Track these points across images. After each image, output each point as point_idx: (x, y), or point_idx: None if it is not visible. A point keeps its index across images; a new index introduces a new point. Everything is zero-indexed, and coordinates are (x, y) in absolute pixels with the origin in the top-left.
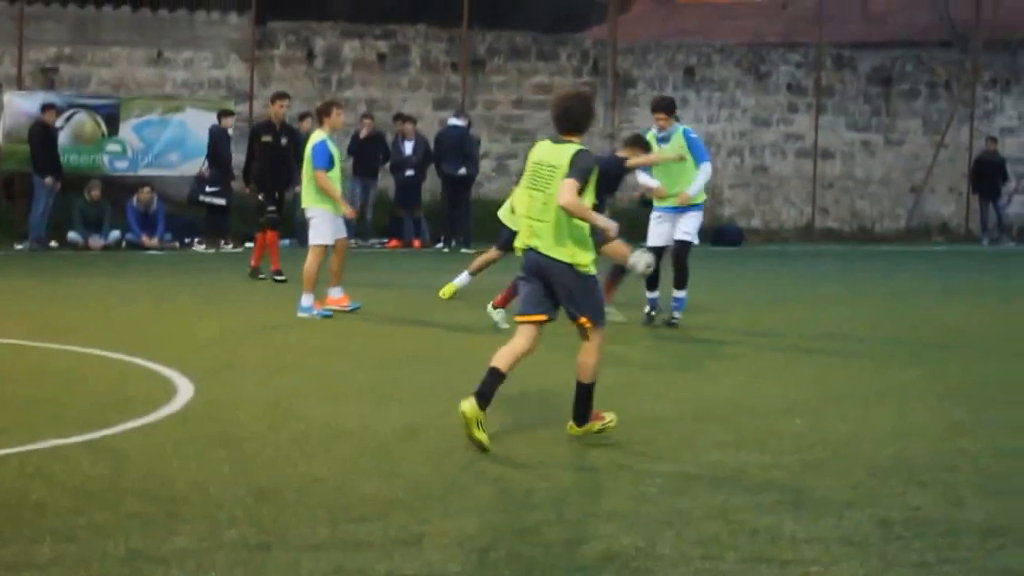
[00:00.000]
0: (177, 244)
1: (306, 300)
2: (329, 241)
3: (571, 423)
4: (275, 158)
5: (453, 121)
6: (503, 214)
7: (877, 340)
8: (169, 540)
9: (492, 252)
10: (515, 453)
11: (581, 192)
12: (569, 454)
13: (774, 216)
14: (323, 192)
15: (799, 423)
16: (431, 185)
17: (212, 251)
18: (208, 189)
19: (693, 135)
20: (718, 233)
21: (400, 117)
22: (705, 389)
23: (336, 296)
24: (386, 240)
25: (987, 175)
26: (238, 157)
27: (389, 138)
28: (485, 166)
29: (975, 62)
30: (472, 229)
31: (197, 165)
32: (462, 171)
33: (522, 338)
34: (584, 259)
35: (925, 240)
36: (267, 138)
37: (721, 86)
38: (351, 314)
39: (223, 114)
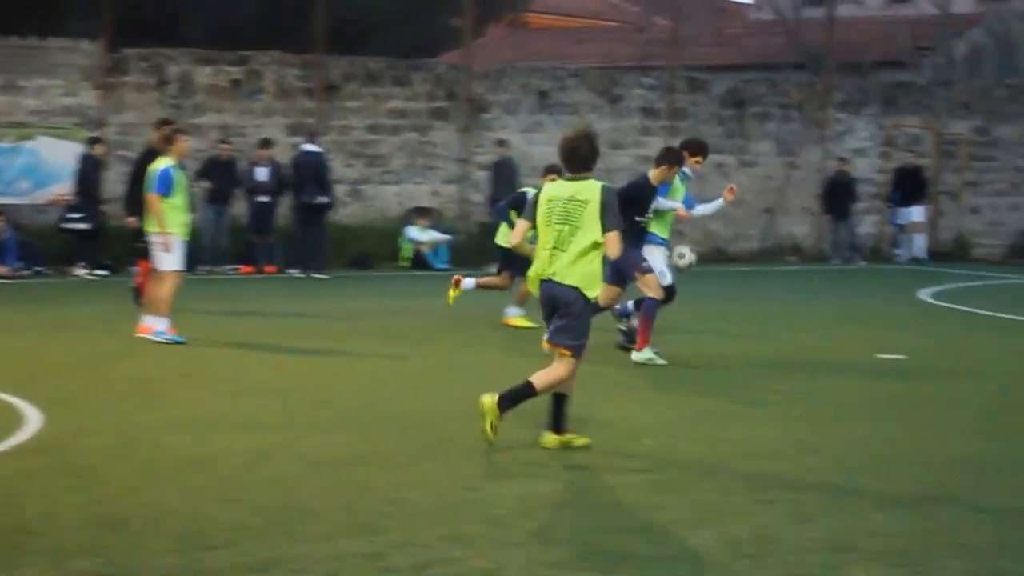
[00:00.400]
0: (28, 272)
1: (160, 325)
2: (181, 267)
3: (546, 433)
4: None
5: (308, 147)
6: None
7: (730, 359)
8: (16, 571)
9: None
10: (365, 478)
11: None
12: (420, 477)
13: None
14: (162, 216)
15: (649, 443)
16: (285, 210)
17: (94, 277)
18: (72, 215)
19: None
20: None
21: (266, 142)
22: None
23: (151, 324)
24: (239, 266)
25: (838, 195)
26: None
27: (242, 164)
28: (339, 191)
29: (827, 84)
30: (326, 255)
31: (50, 193)
32: (322, 199)
33: (559, 365)
34: (592, 290)
35: (779, 260)
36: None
37: (575, 110)
38: (184, 344)
39: (93, 141)
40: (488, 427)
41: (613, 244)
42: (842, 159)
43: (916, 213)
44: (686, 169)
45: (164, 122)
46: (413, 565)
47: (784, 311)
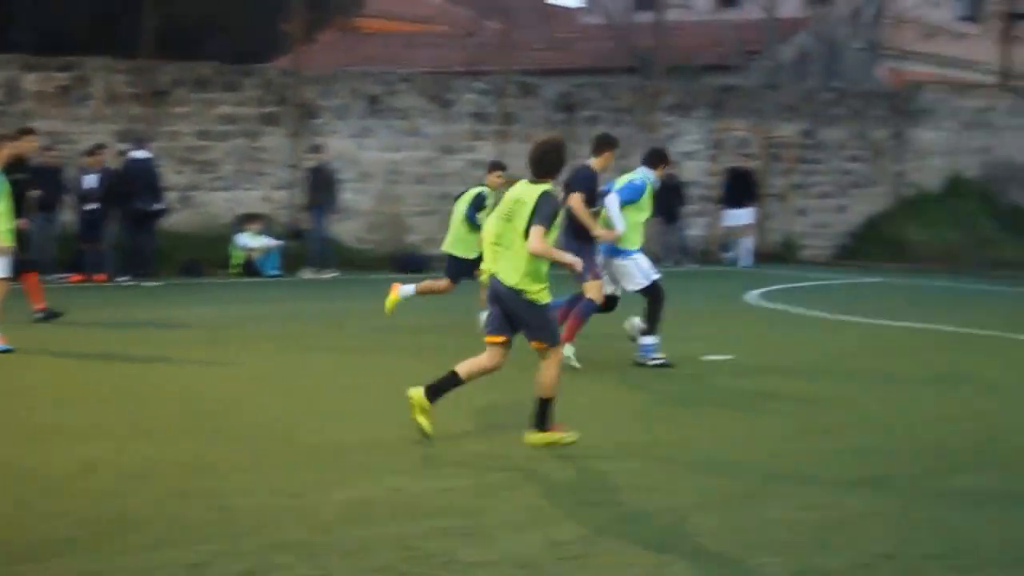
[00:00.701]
0: None
1: None
2: (7, 274)
3: (529, 431)
4: (20, 196)
5: (136, 153)
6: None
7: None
8: None
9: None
10: (190, 486)
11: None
12: (246, 485)
13: None
14: None
15: (477, 448)
16: (115, 216)
17: None
18: None
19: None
20: (402, 260)
21: (95, 149)
22: (384, 415)
23: None
24: (68, 275)
25: (667, 199)
26: None
27: (72, 171)
28: (169, 198)
29: (656, 88)
30: (156, 261)
31: None
32: (157, 206)
33: (486, 355)
34: (532, 288)
35: None
36: (20, 175)
37: (406, 115)
38: (12, 352)
39: None
40: (420, 419)
41: (533, 238)
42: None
43: (745, 216)
44: (652, 177)
45: (28, 131)
46: (237, 573)
47: (614, 314)
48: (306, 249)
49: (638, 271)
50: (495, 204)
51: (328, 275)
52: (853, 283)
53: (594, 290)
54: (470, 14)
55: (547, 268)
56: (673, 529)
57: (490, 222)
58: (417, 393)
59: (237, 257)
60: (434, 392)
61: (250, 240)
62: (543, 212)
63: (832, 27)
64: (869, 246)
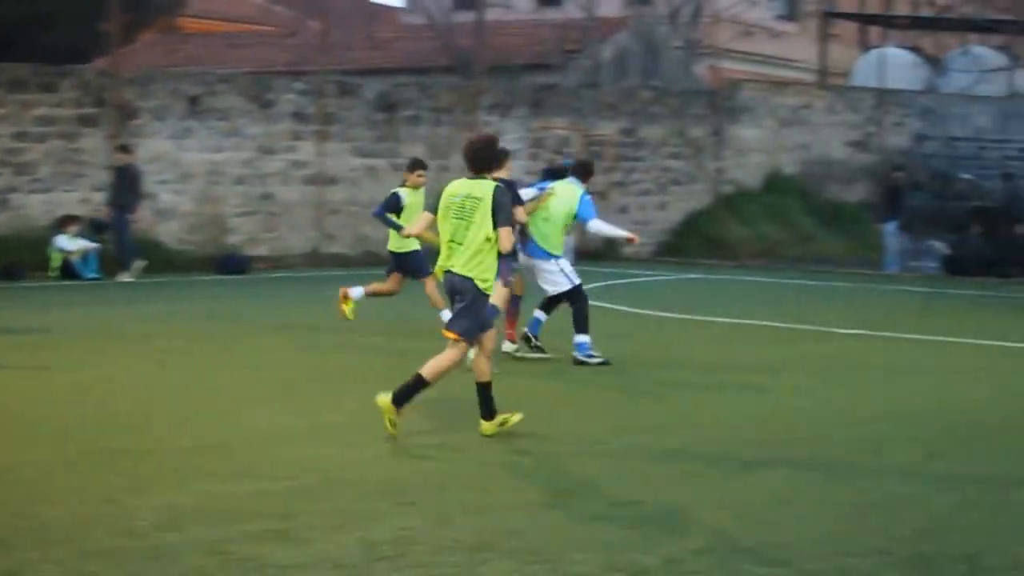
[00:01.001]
0: None
1: None
2: None
3: (481, 422)
4: None
5: None
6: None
7: (376, 364)
8: None
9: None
10: (1, 495)
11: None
12: (57, 491)
13: (281, 243)
14: None
15: (291, 450)
16: None
17: None
18: None
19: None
20: (223, 261)
21: None
22: (200, 420)
23: None
24: None
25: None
26: None
27: None
28: None
29: (476, 87)
30: None
31: None
32: None
33: (450, 351)
34: (486, 278)
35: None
36: None
37: (225, 115)
38: None
39: None
40: (388, 424)
41: (504, 239)
42: None
43: None
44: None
45: None
46: None
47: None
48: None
49: (562, 275)
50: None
51: (138, 266)
52: (674, 279)
53: (500, 297)
54: (292, 14)
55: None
56: (489, 528)
57: (441, 221)
58: (384, 400)
59: (55, 260)
60: (400, 401)
61: (68, 243)
62: (505, 211)
63: (651, 26)
64: (690, 242)
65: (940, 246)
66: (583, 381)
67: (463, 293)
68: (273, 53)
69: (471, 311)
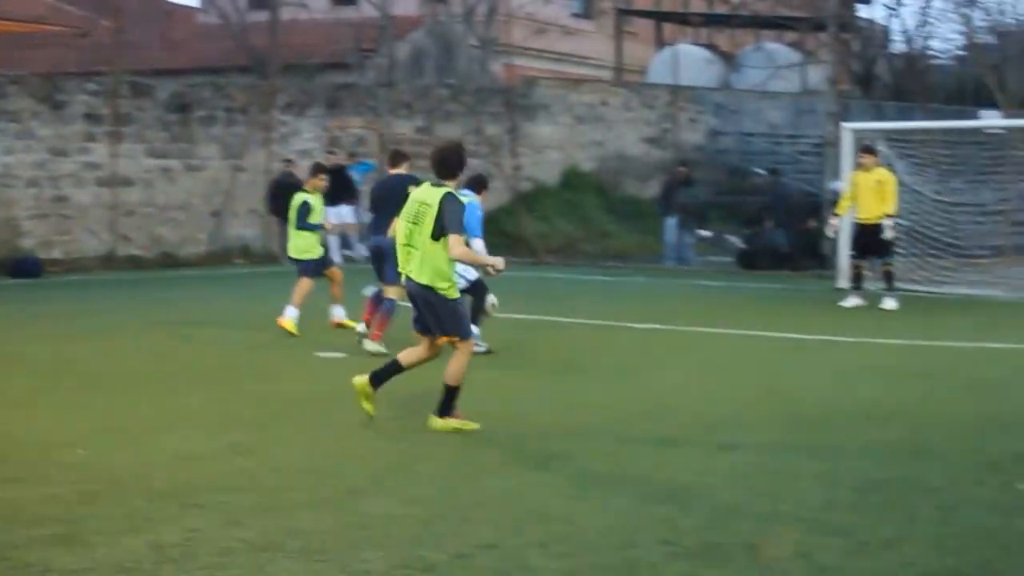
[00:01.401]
0: None
1: None
2: None
3: (432, 415)
4: None
5: None
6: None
7: (164, 368)
8: None
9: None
10: None
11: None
12: None
13: (75, 246)
14: None
15: (81, 453)
16: None
17: None
18: None
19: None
20: (16, 265)
21: None
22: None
23: None
24: None
25: (285, 197)
26: None
27: None
28: None
29: (271, 87)
30: None
31: None
32: None
33: (421, 346)
34: (442, 284)
35: (228, 263)
36: None
37: (16, 117)
38: None
39: None
40: (365, 404)
41: (453, 245)
42: (287, 160)
43: (346, 213)
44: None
45: None
46: None
47: (233, 313)
48: None
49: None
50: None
51: None
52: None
53: (393, 291)
54: (84, 13)
55: (454, 266)
56: (278, 528)
57: (399, 224)
58: (361, 380)
59: None
60: (377, 379)
61: None
62: (453, 218)
63: (446, 25)
64: (488, 240)
65: (735, 240)
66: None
67: (428, 304)
68: (65, 53)
69: (447, 314)
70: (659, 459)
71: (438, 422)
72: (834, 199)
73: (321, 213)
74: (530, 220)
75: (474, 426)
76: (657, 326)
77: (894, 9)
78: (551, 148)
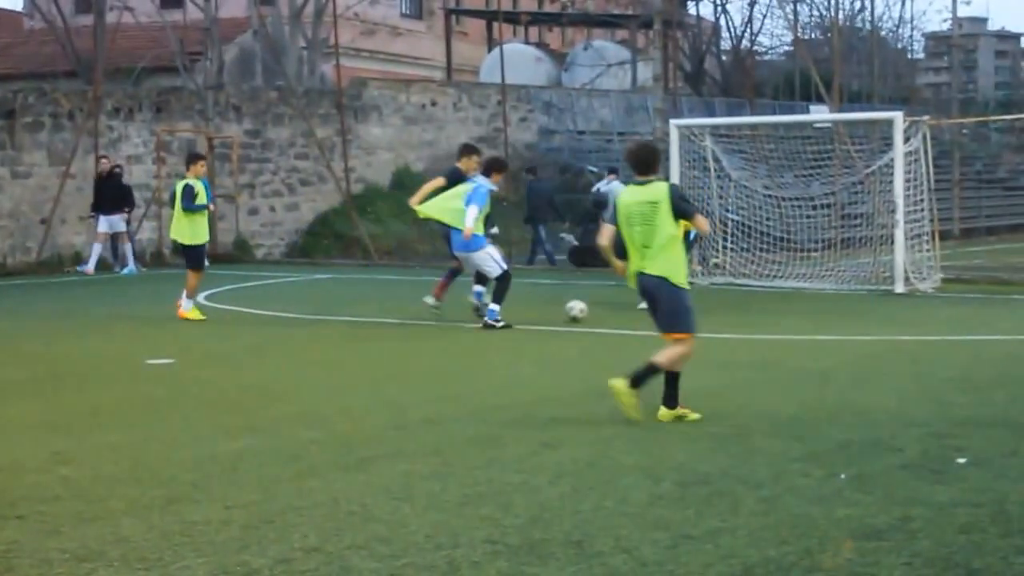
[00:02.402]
0: None
1: None
2: None
3: (662, 407)
4: None
5: None
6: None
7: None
8: None
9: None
10: None
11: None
12: None
13: None
14: None
15: None
16: None
17: None
18: None
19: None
20: None
21: None
22: None
23: None
24: None
25: (112, 200)
26: None
27: None
28: None
29: (98, 91)
30: None
31: None
32: None
33: (679, 347)
34: (679, 276)
35: (59, 271)
36: None
37: None
38: None
39: None
40: (629, 404)
41: (700, 223)
42: (117, 166)
43: (116, 221)
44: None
45: None
46: None
47: (60, 322)
48: None
49: (492, 260)
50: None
51: None
52: (305, 280)
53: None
54: None
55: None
56: (99, 537)
57: (624, 228)
58: (619, 384)
59: None
60: (636, 382)
61: None
62: (684, 202)
63: (275, 27)
64: (321, 243)
65: (570, 238)
66: (200, 387)
67: (658, 292)
68: None
69: (676, 306)
70: (484, 458)
71: (666, 412)
72: (599, 202)
73: (204, 196)
74: (362, 222)
75: (695, 416)
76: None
77: (722, 6)
78: (382, 149)
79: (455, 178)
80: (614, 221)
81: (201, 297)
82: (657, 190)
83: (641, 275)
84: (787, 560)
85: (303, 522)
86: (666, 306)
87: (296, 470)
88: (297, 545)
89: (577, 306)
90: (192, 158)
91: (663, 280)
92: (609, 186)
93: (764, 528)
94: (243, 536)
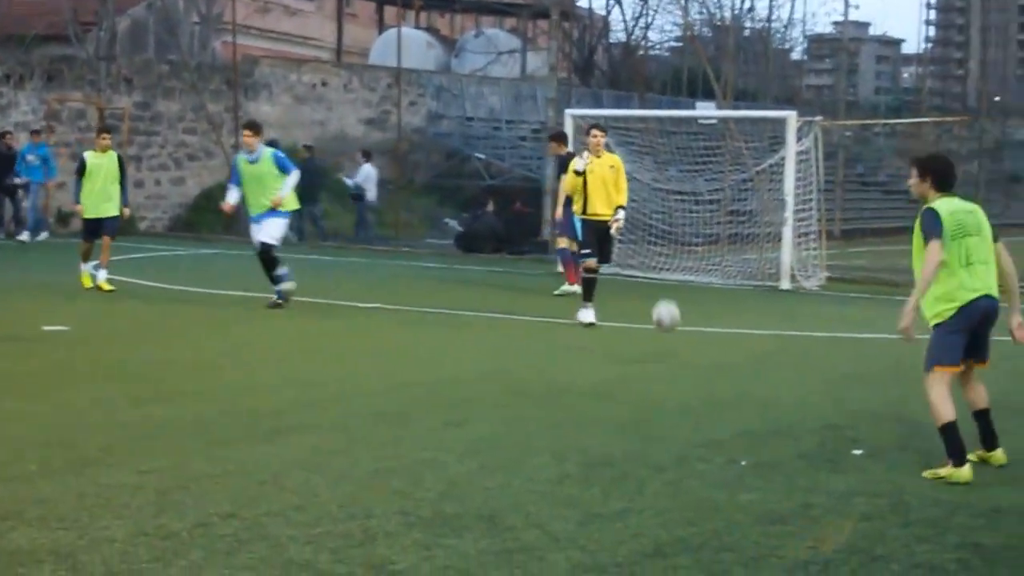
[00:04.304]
0: None
1: None
2: None
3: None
4: None
5: None
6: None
7: None
8: None
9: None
10: None
11: None
12: None
13: None
14: None
15: None
16: None
17: None
18: None
19: (280, 154)
20: None
21: None
22: None
23: None
24: None
25: (2, 169)
26: None
27: None
28: None
29: None
30: None
31: None
32: None
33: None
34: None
35: None
36: None
37: None
38: None
39: None
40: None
41: (1003, 253)
42: (7, 132)
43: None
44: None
45: None
46: None
47: None
48: None
49: None
50: None
51: None
52: (192, 254)
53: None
54: None
55: None
56: (16, 497)
57: (955, 242)
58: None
59: None
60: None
61: None
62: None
63: (169, 0)
64: (205, 218)
65: (454, 223)
66: (97, 354)
67: (990, 321)
68: None
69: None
70: (391, 434)
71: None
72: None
73: (103, 173)
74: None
75: (966, 478)
76: (382, 306)
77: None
78: (271, 127)
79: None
80: (941, 235)
81: (90, 266)
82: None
83: (987, 298)
84: (696, 540)
85: (217, 489)
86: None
87: (206, 440)
88: (213, 511)
89: (667, 314)
90: (99, 129)
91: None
92: (362, 171)
93: (671, 509)
94: (159, 501)
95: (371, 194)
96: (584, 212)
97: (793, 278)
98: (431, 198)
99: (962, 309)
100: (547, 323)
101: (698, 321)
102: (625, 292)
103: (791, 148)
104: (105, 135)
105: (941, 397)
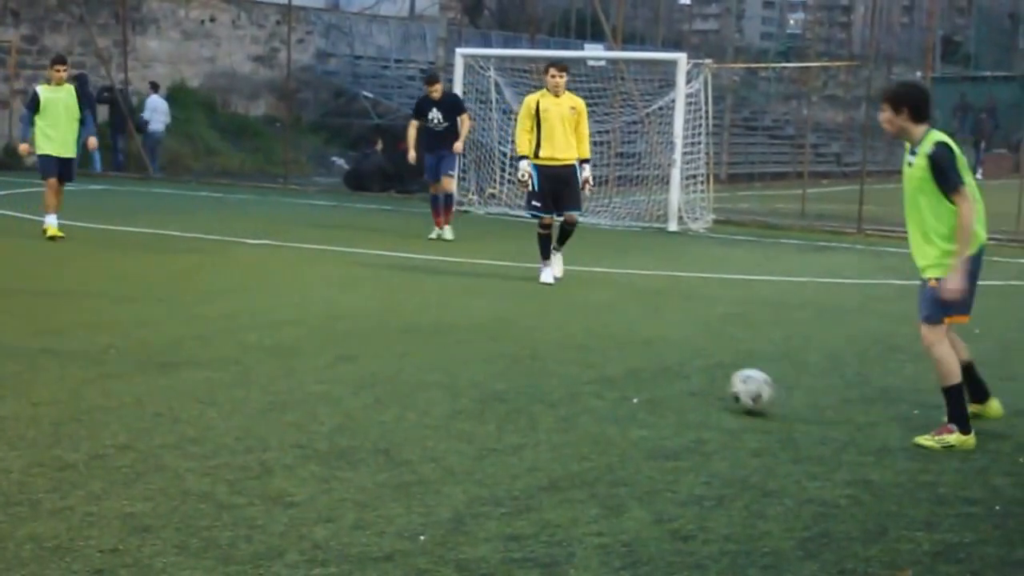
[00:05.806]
0: None
1: None
2: None
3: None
4: None
5: None
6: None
7: None
8: None
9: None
10: None
11: None
12: None
13: None
14: None
15: None
16: None
17: None
18: None
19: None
20: None
21: None
22: None
23: None
24: None
25: None
26: None
27: None
28: None
29: None
30: None
31: None
32: None
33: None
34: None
35: None
36: None
37: None
38: None
39: None
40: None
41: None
42: None
43: None
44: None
45: None
46: None
47: None
48: None
49: None
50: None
51: None
52: (80, 190)
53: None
54: None
55: None
56: None
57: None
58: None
59: None
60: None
61: None
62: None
63: None
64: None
65: (341, 162)
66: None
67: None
68: None
69: None
70: (284, 368)
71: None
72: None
73: (59, 107)
74: (137, 136)
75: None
76: (271, 242)
77: None
78: (159, 62)
79: None
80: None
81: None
82: None
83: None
84: (591, 474)
85: (112, 421)
86: None
87: (98, 372)
88: (108, 442)
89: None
90: (52, 60)
91: None
92: (148, 103)
93: (564, 445)
94: (54, 432)
95: (157, 125)
96: (537, 156)
97: (681, 220)
98: (319, 136)
99: (976, 253)
100: (435, 261)
101: (587, 261)
102: (512, 231)
103: (681, 90)
104: (60, 66)
105: (950, 355)
